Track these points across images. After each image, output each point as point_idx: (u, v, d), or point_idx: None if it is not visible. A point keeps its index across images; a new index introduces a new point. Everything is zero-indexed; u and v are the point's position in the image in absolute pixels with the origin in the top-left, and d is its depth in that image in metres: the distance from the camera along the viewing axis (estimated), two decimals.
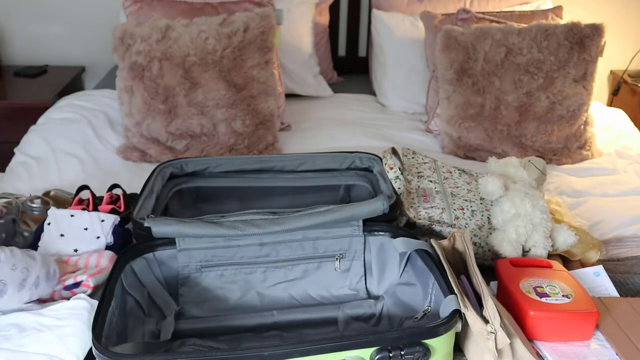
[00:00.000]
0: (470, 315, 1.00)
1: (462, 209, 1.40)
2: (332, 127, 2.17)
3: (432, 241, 1.20)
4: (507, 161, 1.50)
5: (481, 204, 1.43)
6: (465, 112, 2.04)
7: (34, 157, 1.90)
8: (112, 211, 1.42)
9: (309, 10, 2.46)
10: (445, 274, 1.10)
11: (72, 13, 2.73)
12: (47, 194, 1.56)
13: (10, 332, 1.03)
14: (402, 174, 1.43)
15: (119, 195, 1.49)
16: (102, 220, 1.32)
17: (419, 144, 2.12)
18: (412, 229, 1.36)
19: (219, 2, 2.21)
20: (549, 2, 2.55)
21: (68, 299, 1.12)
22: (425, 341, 0.97)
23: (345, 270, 1.29)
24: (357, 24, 2.78)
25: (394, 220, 1.33)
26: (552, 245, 1.36)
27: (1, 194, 1.54)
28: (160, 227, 1.17)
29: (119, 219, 1.35)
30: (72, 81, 2.65)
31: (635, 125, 2.34)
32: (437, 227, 1.37)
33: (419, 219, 1.37)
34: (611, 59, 2.84)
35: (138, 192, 1.45)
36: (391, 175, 1.43)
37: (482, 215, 1.40)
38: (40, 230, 1.31)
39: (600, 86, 2.94)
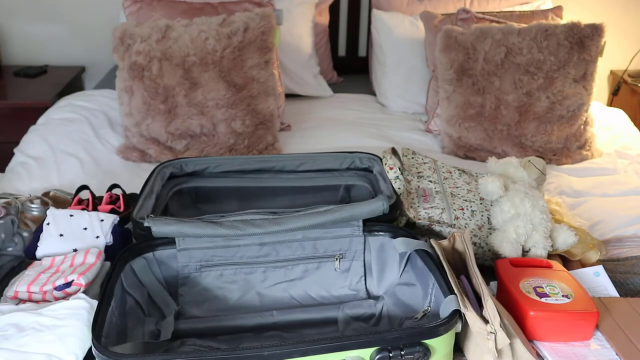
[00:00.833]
0: (470, 315, 1.00)
1: (462, 209, 1.40)
2: (332, 127, 2.17)
3: (432, 241, 1.20)
4: (507, 161, 1.50)
5: (481, 204, 1.42)
6: (465, 112, 2.04)
7: (34, 157, 1.90)
8: (112, 211, 1.42)
9: (309, 10, 2.46)
10: (445, 274, 1.10)
11: (72, 13, 2.73)
12: (46, 194, 1.56)
13: (9, 332, 1.02)
14: (402, 174, 1.43)
15: (118, 195, 1.49)
16: (102, 220, 1.32)
17: (419, 144, 2.12)
18: (412, 229, 1.36)
19: (219, 2, 2.21)
20: (549, 2, 2.55)
21: (60, 299, 1.12)
22: (425, 341, 0.97)
23: (345, 270, 1.29)
24: (357, 24, 2.78)
25: (394, 221, 1.33)
26: (552, 245, 1.36)
27: (0, 194, 1.54)
28: (160, 227, 1.17)
29: (118, 219, 1.35)
30: (72, 81, 2.64)
31: (635, 125, 2.34)
32: (437, 227, 1.37)
33: (419, 219, 1.37)
34: (611, 59, 2.84)
35: (138, 192, 1.45)
36: (391, 175, 1.43)
37: (482, 216, 1.40)
38: (39, 230, 1.31)
39: (600, 86, 2.94)
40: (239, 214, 1.23)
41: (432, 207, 1.40)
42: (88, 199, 1.46)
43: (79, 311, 1.05)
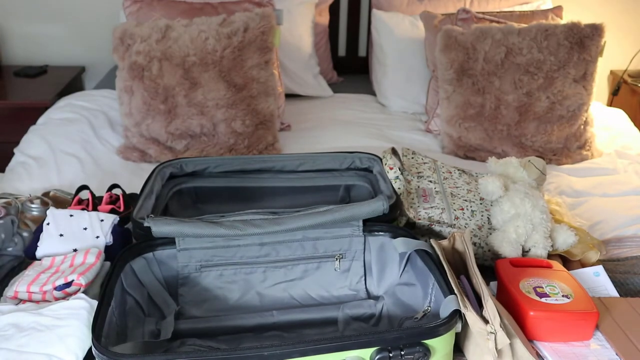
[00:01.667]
0: (470, 315, 1.00)
1: (462, 209, 1.40)
2: (332, 127, 2.17)
3: (432, 241, 1.20)
4: (507, 161, 1.50)
5: (481, 204, 1.42)
6: (465, 112, 2.04)
7: (34, 157, 1.90)
8: (112, 211, 1.42)
9: (309, 10, 2.46)
10: (445, 274, 1.10)
11: (72, 13, 2.73)
12: (46, 194, 1.56)
13: (9, 332, 1.02)
14: (402, 174, 1.43)
15: (118, 195, 1.49)
16: (102, 220, 1.32)
17: (419, 144, 2.12)
18: (412, 229, 1.36)
19: (219, 2, 2.21)
20: (549, 2, 2.55)
21: (60, 299, 1.12)
22: (425, 341, 0.97)
23: (345, 270, 1.29)
24: (357, 24, 2.78)
25: (394, 221, 1.33)
26: (552, 245, 1.36)
27: (0, 194, 1.54)
28: (160, 227, 1.17)
29: (118, 219, 1.35)
30: (72, 81, 2.64)
31: (635, 125, 2.34)
32: (437, 227, 1.37)
33: (419, 219, 1.37)
34: (611, 59, 2.84)
35: (138, 192, 1.45)
36: (391, 175, 1.43)
37: (482, 216, 1.40)
38: (39, 230, 1.31)
39: (600, 86, 2.94)
40: (239, 214, 1.23)
41: (432, 207, 1.40)
42: (88, 199, 1.46)
43: (79, 311, 1.05)
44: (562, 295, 1.13)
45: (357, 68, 2.80)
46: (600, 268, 1.32)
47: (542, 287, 1.15)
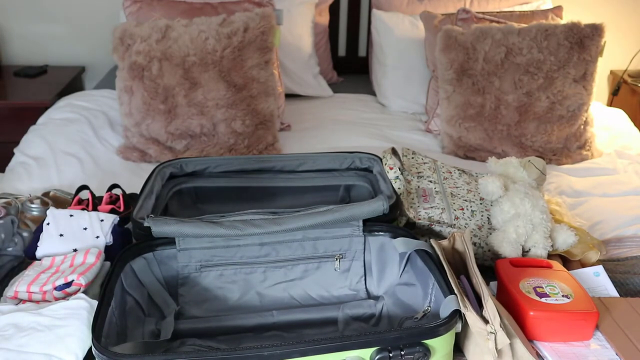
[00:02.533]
0: (470, 315, 1.00)
1: (462, 209, 1.40)
2: (332, 127, 2.17)
3: (432, 241, 1.20)
4: (507, 161, 1.50)
5: (481, 204, 1.42)
6: (465, 112, 2.04)
7: (34, 157, 1.90)
8: (112, 211, 1.42)
9: (309, 10, 2.46)
10: (445, 274, 1.10)
11: (72, 13, 2.73)
12: (46, 194, 1.56)
13: (9, 332, 1.02)
14: (402, 174, 1.43)
15: (118, 195, 1.49)
16: (102, 220, 1.32)
17: (419, 144, 2.12)
18: (412, 229, 1.35)
19: (219, 2, 2.21)
20: (549, 2, 2.55)
21: (60, 299, 1.12)
22: (425, 341, 0.97)
23: (345, 270, 1.29)
24: (357, 24, 2.78)
25: (394, 221, 1.33)
26: (552, 245, 1.36)
27: (0, 194, 1.54)
28: (160, 227, 1.17)
29: (118, 219, 1.35)
30: (72, 81, 2.64)
31: (635, 125, 2.34)
32: (437, 227, 1.37)
33: (419, 219, 1.37)
34: (611, 59, 2.84)
35: (138, 192, 1.45)
36: (391, 175, 1.43)
37: (482, 216, 1.40)
38: (39, 230, 1.31)
39: (600, 86, 2.94)
40: (239, 214, 1.23)
41: (432, 207, 1.40)
42: (88, 199, 1.46)
43: (79, 311, 1.05)
44: (562, 295, 1.13)
45: (357, 68, 2.80)
46: (600, 268, 1.32)
47: (542, 287, 1.15)
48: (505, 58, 2.01)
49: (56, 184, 1.76)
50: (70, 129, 2.04)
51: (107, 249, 1.29)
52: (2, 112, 2.41)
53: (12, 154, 1.97)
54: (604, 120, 2.32)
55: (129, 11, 2.18)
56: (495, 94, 2.02)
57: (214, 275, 1.24)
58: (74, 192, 1.53)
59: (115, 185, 1.56)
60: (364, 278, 1.30)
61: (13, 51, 2.78)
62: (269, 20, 1.95)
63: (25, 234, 1.34)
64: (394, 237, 1.24)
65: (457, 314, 1.01)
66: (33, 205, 1.44)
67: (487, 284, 1.13)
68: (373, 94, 2.53)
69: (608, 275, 1.31)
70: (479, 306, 1.05)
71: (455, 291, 1.04)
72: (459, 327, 1.02)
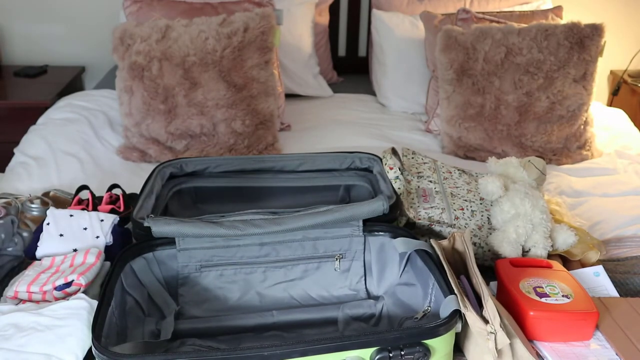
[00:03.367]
0: (470, 315, 1.00)
1: (462, 209, 1.40)
2: (332, 127, 2.17)
3: (432, 241, 1.20)
4: (507, 161, 1.50)
5: (481, 204, 1.42)
6: (465, 112, 2.04)
7: (34, 157, 1.90)
8: (112, 211, 1.42)
9: (309, 10, 2.46)
10: (445, 274, 1.10)
11: (72, 13, 2.73)
12: (46, 194, 1.55)
13: (9, 332, 1.02)
14: (402, 174, 1.43)
15: (118, 195, 1.49)
16: (102, 220, 1.32)
17: (419, 144, 2.12)
18: (412, 229, 1.35)
19: (219, 2, 2.21)
20: (549, 2, 2.55)
21: (60, 299, 1.12)
22: (425, 341, 0.97)
23: (345, 270, 1.29)
24: (357, 24, 2.78)
25: (394, 221, 1.33)
26: (552, 245, 1.36)
27: (0, 194, 1.54)
28: (160, 227, 1.17)
29: (118, 219, 1.35)
30: (72, 81, 2.64)
31: (635, 125, 2.34)
32: (437, 227, 1.37)
33: (419, 219, 1.37)
34: (611, 59, 2.84)
35: (138, 192, 1.45)
36: (391, 175, 1.43)
37: (482, 216, 1.40)
38: (39, 230, 1.31)
39: (600, 86, 2.94)
40: (239, 214, 1.23)
41: (432, 207, 1.40)
42: (88, 199, 1.46)
43: (79, 311, 1.05)
44: (562, 295, 1.13)
45: (357, 68, 2.80)
46: (600, 268, 1.32)
47: (542, 287, 1.15)
48: (505, 58, 2.01)
49: (56, 184, 1.76)
50: (70, 129, 2.04)
51: (107, 249, 1.29)
52: (2, 112, 2.41)
53: (12, 154, 1.97)
54: (604, 120, 2.32)
55: (129, 11, 2.18)
56: (495, 94, 2.02)
57: (214, 275, 1.24)
58: (74, 192, 1.53)
59: (115, 185, 1.56)
60: (364, 278, 1.30)
61: (13, 51, 2.78)
62: (269, 20, 1.95)
63: (25, 234, 1.34)
64: (394, 237, 1.24)
65: (457, 314, 1.01)
66: (33, 205, 1.44)
67: (487, 284, 1.13)
68: (373, 94, 2.53)
69: (608, 275, 1.31)
70: (479, 306, 1.05)
71: (455, 291, 1.04)
72: (459, 327, 1.02)
